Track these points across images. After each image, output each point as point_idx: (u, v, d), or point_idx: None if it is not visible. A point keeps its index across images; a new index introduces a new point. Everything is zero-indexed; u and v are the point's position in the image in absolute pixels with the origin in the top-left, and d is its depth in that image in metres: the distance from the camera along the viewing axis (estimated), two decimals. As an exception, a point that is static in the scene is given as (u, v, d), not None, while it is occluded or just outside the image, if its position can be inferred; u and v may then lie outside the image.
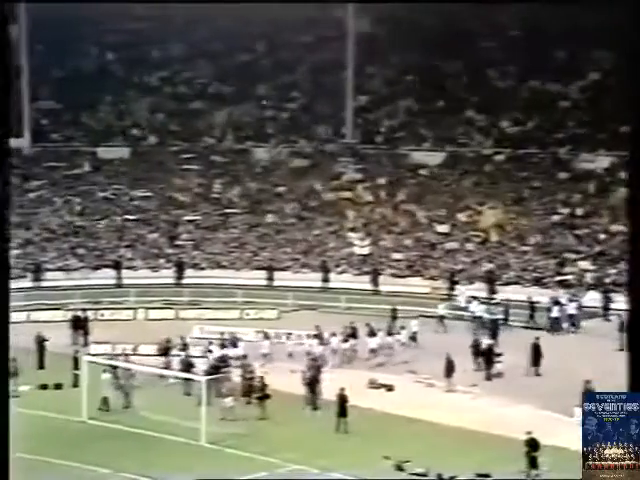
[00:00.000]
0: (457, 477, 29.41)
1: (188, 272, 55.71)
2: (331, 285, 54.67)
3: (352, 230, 58.06)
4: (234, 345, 41.51)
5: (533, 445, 29.78)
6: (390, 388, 38.84)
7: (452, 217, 57.91)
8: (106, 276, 55.16)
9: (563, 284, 52.28)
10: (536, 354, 40.80)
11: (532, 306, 48.85)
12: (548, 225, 56.58)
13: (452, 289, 52.60)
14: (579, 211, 56.87)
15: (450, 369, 38.74)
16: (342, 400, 34.14)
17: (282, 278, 54.98)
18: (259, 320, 48.32)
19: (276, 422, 34.80)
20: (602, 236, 54.85)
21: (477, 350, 41.07)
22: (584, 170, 59.22)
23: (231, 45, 66.24)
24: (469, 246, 56.21)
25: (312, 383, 36.87)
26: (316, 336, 42.46)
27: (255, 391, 36.16)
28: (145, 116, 66.11)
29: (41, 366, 41.69)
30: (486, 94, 63.91)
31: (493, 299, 50.87)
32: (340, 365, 41.12)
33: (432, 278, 54.23)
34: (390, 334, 43.56)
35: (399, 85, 65.87)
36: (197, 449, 32.34)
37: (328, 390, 36.17)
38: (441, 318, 48.17)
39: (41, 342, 42.07)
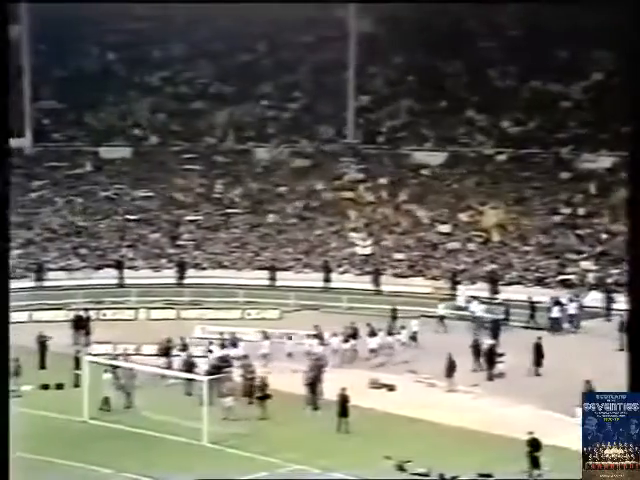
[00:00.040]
0: (459, 477, 29.40)
1: (190, 272, 55.74)
2: (333, 285, 54.68)
3: (354, 230, 58.07)
4: (234, 345, 41.50)
5: (535, 445, 29.79)
6: (391, 388, 38.84)
7: (454, 217, 57.91)
8: (108, 276, 55.20)
9: (565, 284, 52.28)
10: (538, 354, 40.79)
11: (532, 306, 48.83)
12: (550, 225, 56.59)
13: (454, 289, 52.59)
14: (581, 211, 56.88)
15: (451, 369, 38.73)
16: (343, 400, 34.13)
17: (284, 278, 54.98)
18: (261, 320, 48.30)
19: (277, 422, 34.79)
20: (604, 236, 54.85)
21: (477, 350, 41.05)
22: (586, 170, 59.21)
23: (232, 45, 66.25)
24: (471, 246, 56.22)
25: (313, 383, 36.87)
26: (316, 336, 42.47)
27: (256, 391, 36.16)
28: (146, 116, 66.15)
29: (43, 366, 41.71)
30: (488, 94, 63.91)
31: (493, 299, 50.88)
32: (340, 365, 41.10)
33: (434, 278, 54.24)
34: (390, 334, 43.55)
35: (400, 85, 65.87)
36: (198, 449, 32.33)
37: (329, 390, 36.18)
38: (441, 318, 48.15)
39: (43, 342, 42.09)
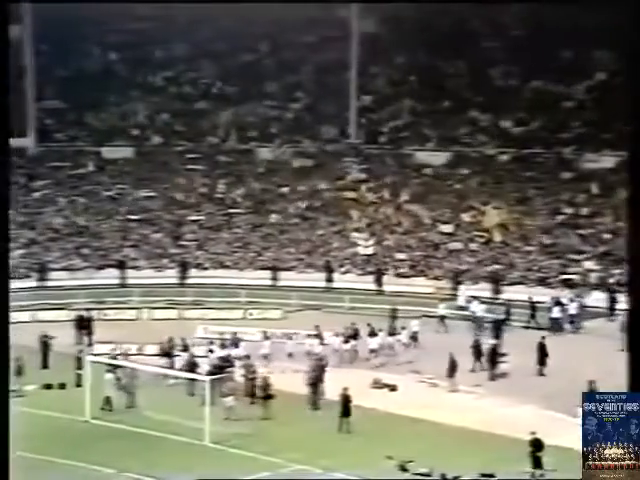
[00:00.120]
0: (461, 477, 29.38)
1: (192, 272, 55.76)
2: (335, 285, 54.69)
3: (356, 230, 58.08)
4: (235, 345, 41.50)
5: (537, 445, 29.79)
6: (393, 388, 38.84)
7: (456, 217, 57.91)
8: (110, 276, 55.20)
9: (567, 284, 52.26)
10: (542, 354, 40.76)
11: (533, 306, 48.80)
12: (552, 225, 56.58)
13: (456, 289, 52.58)
14: (584, 211, 56.86)
15: (453, 369, 38.72)
16: (345, 400, 34.13)
17: (286, 278, 55.00)
18: (263, 320, 48.31)
19: (279, 422, 34.80)
20: (606, 236, 54.82)
21: (478, 350, 41.03)
22: (589, 170, 59.19)
23: (234, 45, 66.28)
24: (473, 246, 56.22)
25: (315, 383, 36.88)
26: (316, 336, 42.49)
27: (258, 391, 36.17)
28: (149, 116, 66.18)
29: (45, 366, 41.73)
30: (490, 94, 63.89)
31: (493, 299, 50.86)
32: (340, 365, 41.07)
33: (436, 278, 54.23)
34: (391, 334, 43.54)
35: (403, 85, 65.87)
36: (201, 449, 32.34)
37: (331, 390, 36.19)
38: (442, 318, 48.14)
39: (45, 342, 42.12)
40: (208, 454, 31.90)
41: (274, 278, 55.23)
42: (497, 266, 54.46)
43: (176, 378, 38.25)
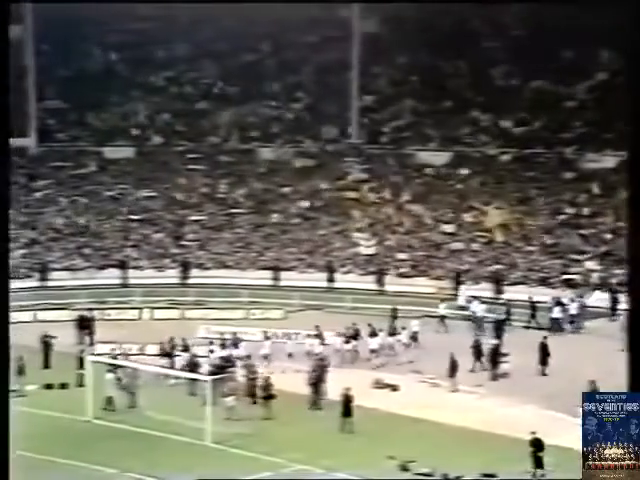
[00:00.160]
0: (463, 477, 29.41)
1: (193, 272, 55.78)
2: (337, 285, 54.69)
3: (357, 230, 58.08)
4: (235, 345, 41.50)
5: (538, 445, 29.79)
6: (395, 388, 38.84)
7: (458, 217, 57.90)
8: (112, 276, 55.23)
9: (569, 284, 52.25)
10: (544, 353, 40.76)
11: (533, 306, 48.79)
12: (554, 225, 56.56)
13: (457, 289, 52.57)
14: (585, 211, 56.85)
15: (454, 369, 38.72)
16: (347, 400, 34.13)
17: (288, 278, 55.01)
18: (265, 320, 48.31)
19: (280, 422, 34.80)
20: (608, 236, 54.80)
21: (478, 350, 41.02)
22: (590, 170, 59.17)
23: (236, 45, 66.26)
24: (475, 246, 56.21)
25: (317, 383, 36.88)
26: (317, 336, 42.49)
27: (260, 391, 36.17)
28: (150, 116, 66.19)
29: (47, 366, 41.75)
30: (491, 94, 63.87)
31: (493, 299, 50.85)
32: (341, 365, 41.06)
33: (438, 278, 54.22)
34: (391, 334, 43.53)
35: (404, 85, 65.85)
36: (202, 449, 32.34)
37: (332, 390, 36.19)
38: (442, 318, 48.12)
39: (47, 342, 42.13)
40: (209, 454, 31.90)
41: (276, 278, 55.25)
42: (499, 266, 54.45)
43: (177, 378, 38.27)
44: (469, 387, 38.71)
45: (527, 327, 47.76)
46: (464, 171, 60.77)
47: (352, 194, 60.22)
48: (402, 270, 55.35)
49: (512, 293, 51.59)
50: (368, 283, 54.34)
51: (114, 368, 36.83)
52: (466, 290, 51.79)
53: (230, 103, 66.32)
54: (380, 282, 54.21)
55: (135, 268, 55.88)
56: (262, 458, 31.30)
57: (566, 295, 49.91)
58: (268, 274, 55.37)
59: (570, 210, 57.13)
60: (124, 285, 54.81)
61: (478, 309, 48.15)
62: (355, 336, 43.03)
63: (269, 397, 35.60)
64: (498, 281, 52.94)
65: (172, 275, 55.65)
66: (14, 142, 51.84)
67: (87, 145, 63.57)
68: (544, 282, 53.02)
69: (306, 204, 59.75)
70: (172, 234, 58.49)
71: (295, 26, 63.86)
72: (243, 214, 59.64)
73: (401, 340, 43.57)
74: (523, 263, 54.57)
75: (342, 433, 33.73)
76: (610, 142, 58.71)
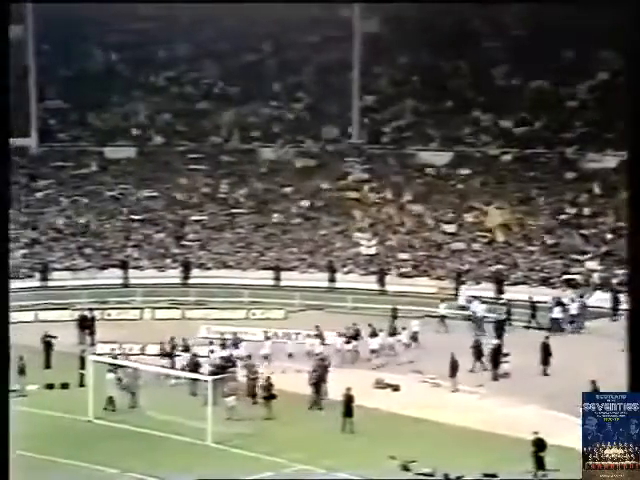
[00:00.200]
0: (464, 477, 29.40)
1: (195, 272, 55.75)
2: (338, 285, 54.67)
3: (359, 230, 58.06)
4: (235, 345, 41.50)
5: (539, 445, 29.79)
6: (396, 388, 38.84)
7: (459, 217, 57.88)
8: (113, 276, 55.22)
9: (570, 284, 52.23)
10: (545, 353, 40.74)
11: (533, 306, 48.77)
12: (555, 225, 56.54)
13: (459, 289, 52.56)
14: (586, 211, 56.82)
15: (454, 369, 38.71)
16: (348, 400, 34.14)
17: (289, 278, 55.00)
18: (266, 320, 48.32)
19: (282, 422, 34.81)
20: (609, 236, 54.79)
21: (478, 350, 41.01)
22: (591, 170, 59.16)
23: (237, 45, 66.29)
24: (476, 246, 56.18)
25: (318, 383, 36.89)
26: (317, 336, 42.49)
27: (260, 391, 36.18)
28: (151, 116, 66.20)
29: (48, 365, 41.75)
30: (492, 94, 63.86)
31: (494, 299, 50.83)
32: (342, 365, 41.05)
33: (439, 278, 54.20)
34: (392, 334, 43.52)
35: (405, 85, 65.86)
36: (203, 449, 32.36)
37: (333, 390, 36.19)
38: (442, 318, 48.11)
39: (48, 342, 42.14)
40: (210, 454, 31.92)
41: (277, 278, 55.23)
42: (500, 266, 54.43)
43: (178, 378, 38.28)
44: (470, 387, 38.71)
45: (527, 327, 47.74)
46: (465, 171, 60.76)
47: (353, 194, 60.20)
48: (403, 270, 55.34)
49: (513, 293, 51.57)
50: (369, 283, 54.30)
51: (115, 368, 36.86)
52: (467, 290, 51.79)
53: (231, 103, 66.33)
54: (381, 282, 54.18)
55: (136, 268, 55.87)
56: (263, 458, 31.32)
57: (567, 295, 49.89)
58: (269, 274, 55.36)
59: (571, 210, 57.10)
60: (125, 285, 54.81)
61: (478, 309, 48.15)
62: (356, 336, 43.04)
63: (270, 397, 35.61)
64: (499, 281, 52.92)
65: (173, 275, 55.63)
66: (15, 142, 52.23)
67: (88, 145, 63.58)
68: (545, 282, 52.99)
69: (307, 204, 59.78)
70: (173, 234, 58.49)
71: (296, 26, 63.88)
72: (244, 214, 59.62)
73: (401, 340, 43.58)
74: (524, 263, 54.54)
75: (343, 433, 33.75)
76: (611, 142, 58.71)
